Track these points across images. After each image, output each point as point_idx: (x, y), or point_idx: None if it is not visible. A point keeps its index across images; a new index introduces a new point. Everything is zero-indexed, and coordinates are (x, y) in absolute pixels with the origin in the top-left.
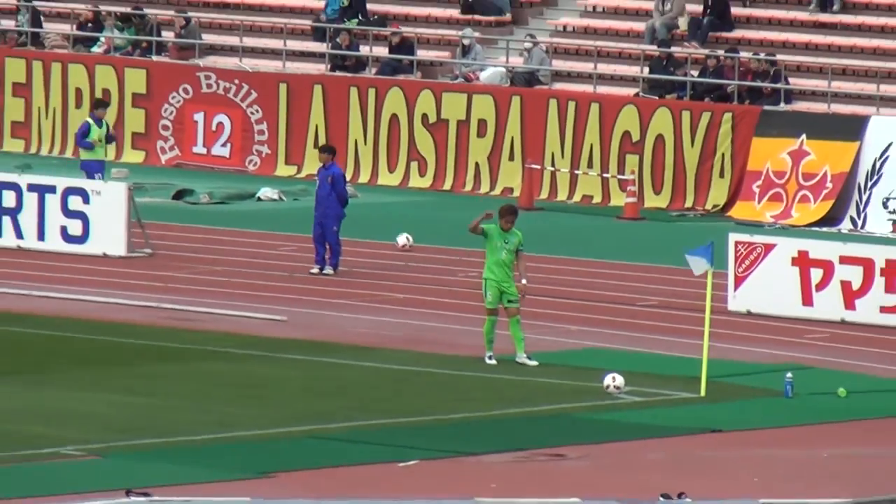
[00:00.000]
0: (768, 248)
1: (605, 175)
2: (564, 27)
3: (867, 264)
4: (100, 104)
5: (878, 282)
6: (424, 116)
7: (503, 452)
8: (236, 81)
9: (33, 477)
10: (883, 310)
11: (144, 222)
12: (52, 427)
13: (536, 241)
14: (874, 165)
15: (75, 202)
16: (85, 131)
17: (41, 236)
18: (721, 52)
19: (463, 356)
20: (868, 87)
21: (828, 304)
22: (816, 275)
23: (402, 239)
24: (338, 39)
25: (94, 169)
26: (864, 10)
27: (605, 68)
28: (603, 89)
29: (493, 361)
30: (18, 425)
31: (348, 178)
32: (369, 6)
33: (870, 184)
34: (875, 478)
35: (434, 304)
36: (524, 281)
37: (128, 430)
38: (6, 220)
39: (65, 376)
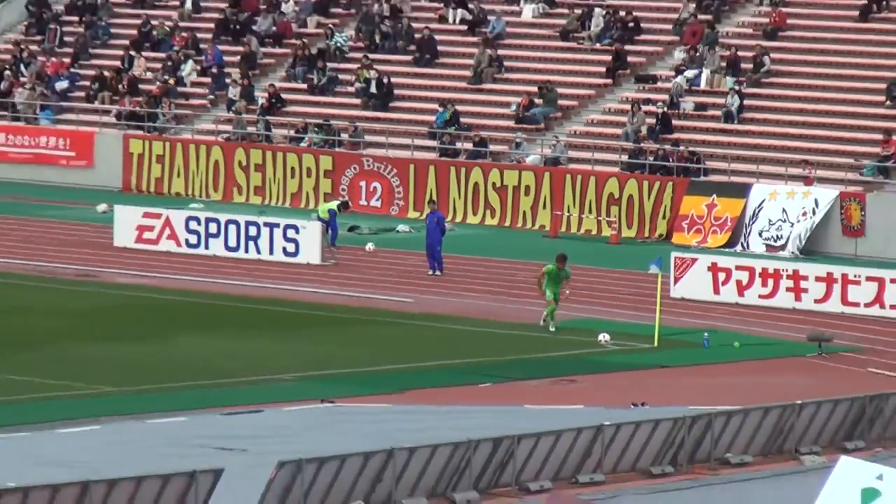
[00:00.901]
0: (693, 260)
1: (598, 218)
2: (576, 132)
3: (751, 270)
4: (345, 206)
5: (757, 280)
6: (493, 183)
7: (539, 379)
8: (384, 163)
9: (266, 392)
10: (760, 297)
11: (332, 244)
12: (276, 363)
13: (569, 258)
14: (753, 212)
15: (291, 232)
16: (334, 214)
17: (271, 252)
18: (667, 146)
19: (519, 323)
20: (751, 168)
21: (728, 294)
22: (721, 276)
23: (603, 337)
24: (443, 139)
25: (335, 227)
26: (751, 122)
27: (599, 156)
28: (598, 168)
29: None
30: (255, 361)
31: (448, 219)
32: (462, 119)
33: (751, 223)
34: (758, 394)
35: (502, 292)
36: (567, 292)
37: (320, 364)
38: (251, 243)
39: (283, 334)
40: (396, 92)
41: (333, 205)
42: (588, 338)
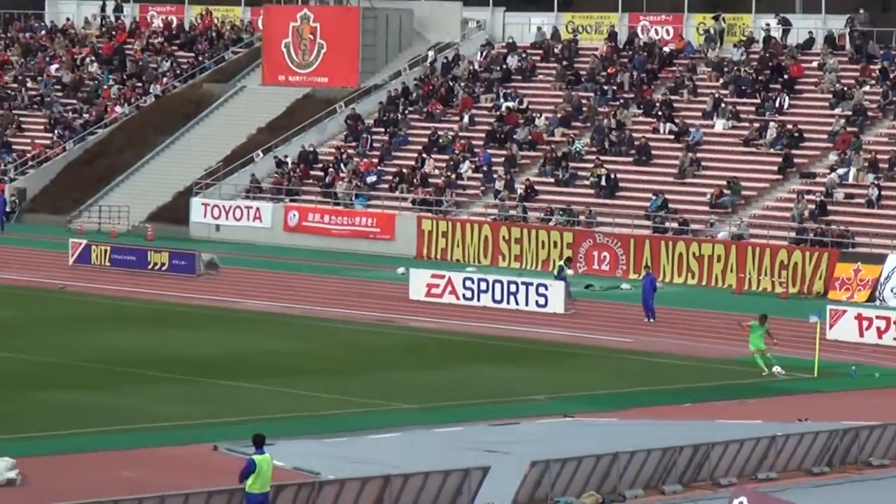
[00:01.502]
0: (844, 311)
1: (772, 279)
2: (755, 215)
3: (887, 319)
4: (568, 261)
5: (892, 326)
6: (693, 253)
7: (728, 400)
8: (612, 238)
9: (522, 409)
10: (894, 339)
11: (573, 299)
12: (529, 386)
13: (749, 308)
14: (888, 274)
15: (541, 289)
16: (562, 269)
17: (527, 304)
18: (823, 226)
19: (712, 358)
20: (887, 242)
21: (870, 336)
22: (865, 323)
23: (777, 369)
24: (655, 220)
25: (565, 279)
26: (887, 207)
27: (772, 232)
28: (772, 241)
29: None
30: (514, 385)
31: (659, 279)
32: (670, 205)
33: (886, 283)
34: (893, 412)
35: (700, 335)
36: (774, 341)
37: (563, 387)
38: (511, 297)
39: (535, 365)
40: (621, 185)
41: (562, 262)
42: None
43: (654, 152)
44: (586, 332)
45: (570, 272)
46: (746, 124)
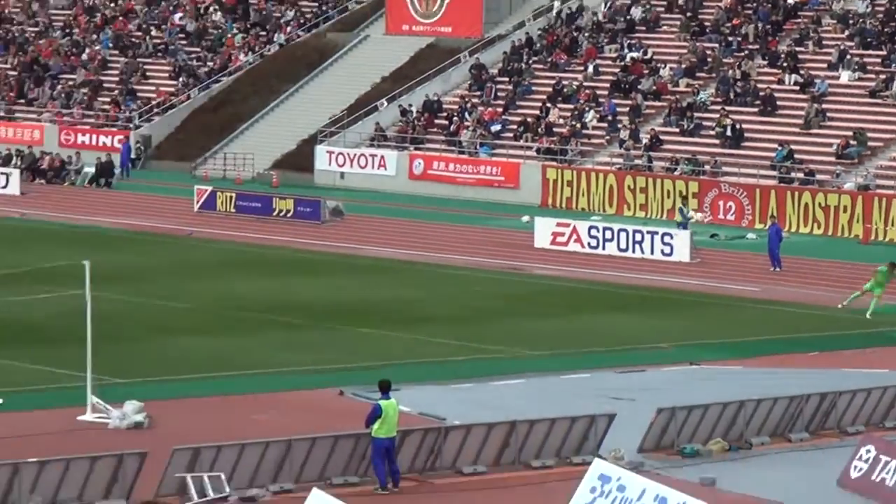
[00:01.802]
0: None
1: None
2: (881, 165)
3: None
4: (685, 200)
5: None
6: (819, 203)
7: (854, 349)
8: (737, 188)
9: (647, 356)
10: None
11: (698, 248)
12: (655, 335)
13: (875, 258)
14: None
15: (667, 238)
16: (683, 212)
17: (652, 252)
18: None
19: (839, 307)
20: None
21: None
22: None
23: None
24: (781, 170)
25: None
26: None
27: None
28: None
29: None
30: (639, 334)
31: (785, 229)
32: (795, 156)
33: None
34: None
35: (826, 284)
36: None
37: (688, 336)
38: (637, 246)
39: (660, 314)
40: (746, 135)
41: (681, 205)
42: (895, 324)
43: (779, 103)
44: (712, 281)
45: (695, 215)
46: (872, 76)
